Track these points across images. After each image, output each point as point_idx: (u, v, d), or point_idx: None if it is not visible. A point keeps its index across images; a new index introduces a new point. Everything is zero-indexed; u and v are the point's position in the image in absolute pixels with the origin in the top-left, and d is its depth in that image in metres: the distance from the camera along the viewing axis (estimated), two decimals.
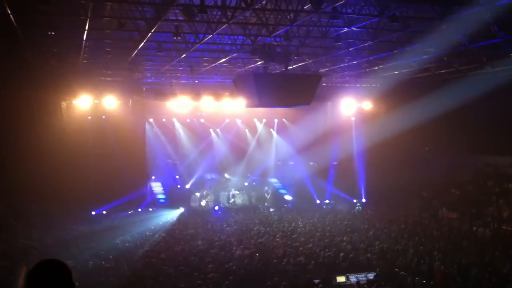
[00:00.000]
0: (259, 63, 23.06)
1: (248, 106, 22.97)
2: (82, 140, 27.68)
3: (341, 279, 15.47)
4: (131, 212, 29.07)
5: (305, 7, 15.19)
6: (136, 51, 20.71)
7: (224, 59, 22.92)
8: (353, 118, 34.56)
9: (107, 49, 21.50)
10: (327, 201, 33.13)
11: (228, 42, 20.91)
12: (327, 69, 25.62)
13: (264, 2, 14.75)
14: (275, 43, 19.44)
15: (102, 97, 29.15)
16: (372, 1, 15.07)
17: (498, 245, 19.49)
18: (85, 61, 23.80)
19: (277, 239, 21.24)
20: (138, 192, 29.70)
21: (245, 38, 19.67)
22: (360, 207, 31.27)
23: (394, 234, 21.98)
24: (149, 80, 29.86)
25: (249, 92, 19.89)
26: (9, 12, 14.38)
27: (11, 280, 15.61)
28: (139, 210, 29.72)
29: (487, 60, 22.02)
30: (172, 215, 28.95)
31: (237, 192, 32.84)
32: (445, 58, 22.65)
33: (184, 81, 29.43)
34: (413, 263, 17.00)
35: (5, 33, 16.86)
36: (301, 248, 18.99)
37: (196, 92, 30.74)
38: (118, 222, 26.35)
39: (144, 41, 18.61)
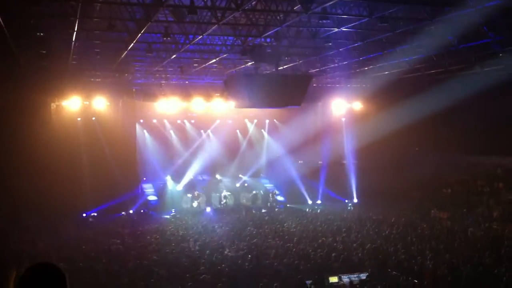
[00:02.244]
0: (249, 63, 23.03)
1: (239, 106, 22.90)
2: (72, 141, 27.49)
3: (333, 279, 15.44)
4: (123, 214, 28.90)
5: (294, 8, 15.20)
6: (126, 52, 20.62)
7: (214, 60, 22.89)
8: (343, 119, 34.68)
9: (96, 50, 21.41)
10: (318, 201, 33.16)
11: (218, 42, 20.91)
12: (318, 69, 25.66)
13: (254, 2, 14.74)
14: (266, 44, 19.43)
15: (92, 99, 28.96)
16: (361, 1, 15.12)
17: (489, 244, 19.57)
18: (75, 62, 23.66)
19: (269, 240, 21.21)
20: (129, 194, 29.52)
21: (235, 38, 19.66)
22: (351, 207, 31.29)
23: (386, 234, 22.01)
24: (139, 81, 29.75)
25: (239, 93, 19.82)
26: None
27: (2, 284, 15.44)
28: (131, 212, 29.56)
29: (477, 60, 22.14)
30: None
31: (228, 193, 32.75)
32: (434, 59, 22.76)
33: (174, 82, 29.34)
34: (404, 263, 17.03)
35: None
36: (293, 249, 18.97)
37: (186, 93, 30.68)
38: (109, 224, 26.17)
39: (134, 42, 18.54)
